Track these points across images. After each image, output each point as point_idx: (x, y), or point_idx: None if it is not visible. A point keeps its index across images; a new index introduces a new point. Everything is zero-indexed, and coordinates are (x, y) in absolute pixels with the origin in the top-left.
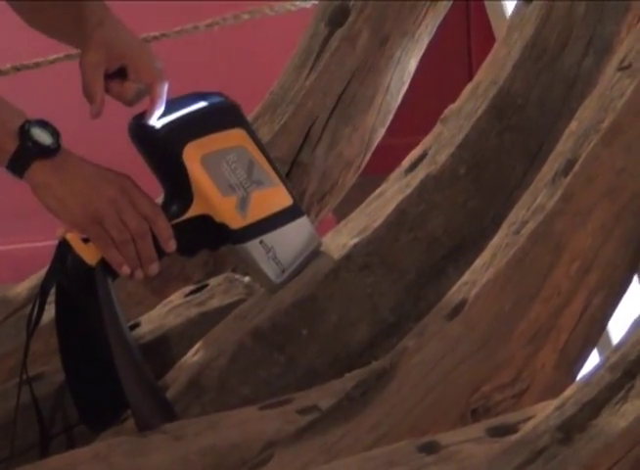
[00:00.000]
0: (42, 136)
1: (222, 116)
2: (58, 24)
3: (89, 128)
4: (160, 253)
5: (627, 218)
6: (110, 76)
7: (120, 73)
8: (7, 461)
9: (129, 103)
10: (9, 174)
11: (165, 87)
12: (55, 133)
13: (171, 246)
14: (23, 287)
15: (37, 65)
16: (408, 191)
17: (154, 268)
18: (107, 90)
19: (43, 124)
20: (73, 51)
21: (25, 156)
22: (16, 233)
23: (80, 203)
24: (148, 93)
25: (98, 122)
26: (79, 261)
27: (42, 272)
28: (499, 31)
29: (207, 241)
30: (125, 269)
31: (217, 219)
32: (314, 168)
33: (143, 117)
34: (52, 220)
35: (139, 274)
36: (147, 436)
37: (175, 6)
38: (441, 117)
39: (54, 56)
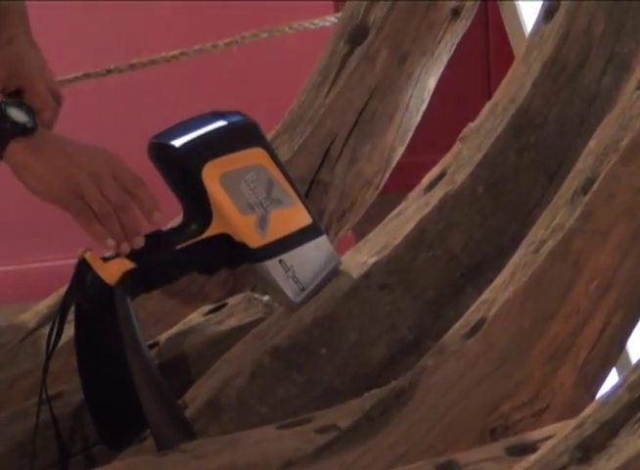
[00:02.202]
0: (19, 115)
1: (241, 135)
2: None
3: (108, 146)
4: (181, 267)
5: None
6: (7, 95)
7: (18, 95)
8: None
9: None
10: None
11: (55, 118)
12: (31, 112)
13: (155, 218)
14: (43, 306)
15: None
16: (427, 210)
17: (139, 241)
18: None
19: (19, 104)
20: (92, 69)
21: (3, 136)
22: (34, 252)
23: (60, 179)
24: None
25: (118, 140)
26: (98, 281)
27: (61, 291)
28: (518, 49)
29: (227, 260)
30: (110, 242)
31: (237, 238)
32: (333, 187)
33: (162, 135)
34: (71, 239)
35: (125, 247)
36: (166, 455)
37: (195, 24)
38: (460, 135)
39: (73, 75)
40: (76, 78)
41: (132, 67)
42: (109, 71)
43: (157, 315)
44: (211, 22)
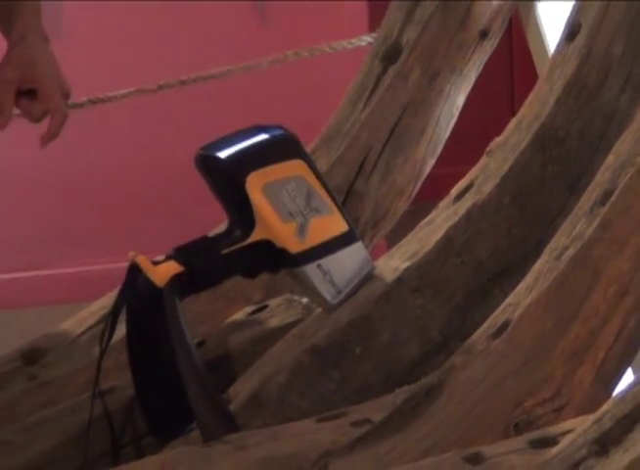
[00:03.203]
0: None
1: (283, 147)
2: None
3: (158, 158)
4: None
5: None
6: (21, 93)
7: (31, 93)
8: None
9: (34, 121)
10: None
11: (64, 119)
12: None
13: None
14: (97, 306)
15: (110, 98)
16: (456, 218)
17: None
18: (16, 105)
19: None
20: (145, 86)
21: None
22: (89, 255)
23: None
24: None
25: (167, 152)
26: (149, 283)
27: (114, 293)
28: (541, 69)
29: (268, 264)
30: None
31: (278, 244)
32: (368, 197)
33: (209, 147)
34: (123, 243)
35: None
36: (211, 446)
37: (240, 43)
38: (487, 149)
39: (127, 90)
40: (130, 93)
41: (182, 82)
42: (160, 87)
43: (203, 316)
44: (251, 42)
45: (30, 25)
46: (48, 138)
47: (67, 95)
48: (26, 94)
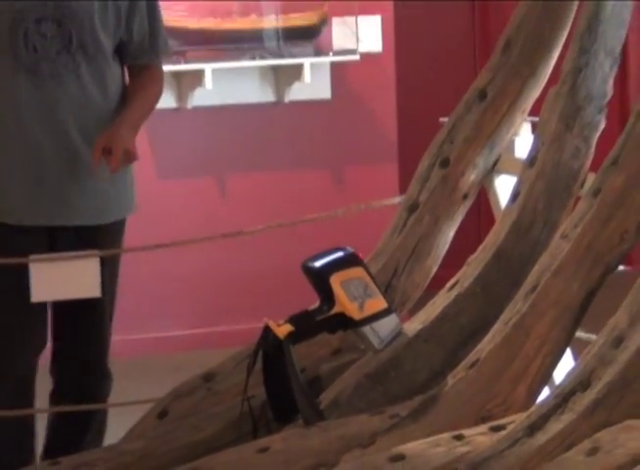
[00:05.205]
0: None
1: (350, 260)
2: None
3: (278, 264)
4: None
5: (564, 318)
6: (105, 150)
7: (108, 152)
8: (235, 442)
9: (107, 165)
10: None
11: (119, 166)
12: None
13: None
14: (246, 349)
15: (253, 232)
16: (448, 301)
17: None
18: (103, 155)
19: None
20: (275, 222)
21: None
22: (241, 319)
23: None
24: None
25: (292, 273)
26: (275, 336)
27: (255, 341)
28: (498, 216)
29: (342, 326)
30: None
31: (347, 315)
32: (399, 289)
33: (308, 260)
34: (261, 313)
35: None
36: (309, 428)
37: (320, 196)
38: (467, 261)
39: (260, 227)
40: (262, 229)
41: (293, 223)
42: (279, 225)
43: (305, 355)
44: (328, 196)
45: (125, 118)
46: (110, 171)
47: (130, 155)
48: (108, 151)
